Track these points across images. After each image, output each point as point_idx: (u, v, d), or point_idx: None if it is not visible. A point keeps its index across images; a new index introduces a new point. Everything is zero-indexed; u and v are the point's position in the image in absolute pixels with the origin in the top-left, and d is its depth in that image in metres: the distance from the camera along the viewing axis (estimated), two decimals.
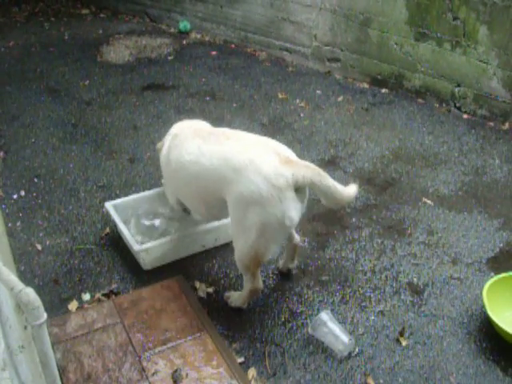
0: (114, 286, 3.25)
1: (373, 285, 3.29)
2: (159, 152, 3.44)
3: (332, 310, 3.07)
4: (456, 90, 5.28)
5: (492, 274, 3.34)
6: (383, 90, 5.74)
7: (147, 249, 3.25)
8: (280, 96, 5.60)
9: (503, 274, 3.12)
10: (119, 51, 6.72)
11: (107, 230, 3.70)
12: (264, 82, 5.94)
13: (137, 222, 3.55)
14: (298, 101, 5.50)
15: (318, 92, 5.72)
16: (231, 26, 6.97)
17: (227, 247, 3.50)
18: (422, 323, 3.04)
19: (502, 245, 3.63)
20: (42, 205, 3.96)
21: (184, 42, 7.03)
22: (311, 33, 6.18)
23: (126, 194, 3.89)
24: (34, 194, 4.06)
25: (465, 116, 5.24)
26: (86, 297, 3.18)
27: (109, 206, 3.56)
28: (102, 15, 8.11)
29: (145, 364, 2.71)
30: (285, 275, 3.34)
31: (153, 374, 2.66)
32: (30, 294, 1.58)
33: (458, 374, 2.76)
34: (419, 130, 5.02)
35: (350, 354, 2.84)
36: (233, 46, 6.94)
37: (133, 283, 3.28)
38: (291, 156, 2.77)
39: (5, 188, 4.12)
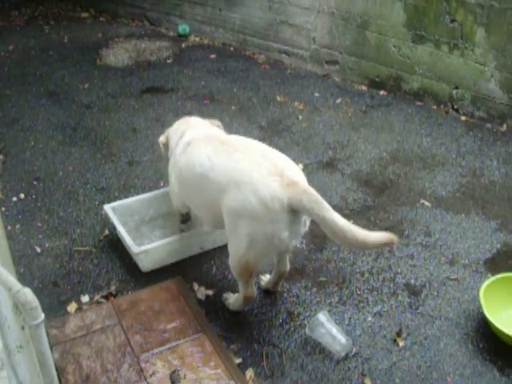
0: (112, 288, 3.26)
1: (370, 286, 3.31)
2: (162, 146, 3.43)
3: (329, 311, 3.08)
4: (454, 92, 5.30)
5: (489, 274, 3.36)
6: (381, 93, 5.76)
7: (146, 250, 3.27)
8: (278, 99, 5.62)
9: (500, 275, 3.14)
10: (118, 54, 6.74)
11: (106, 232, 3.72)
12: (263, 84, 5.96)
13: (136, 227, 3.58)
14: (296, 103, 5.52)
15: (317, 94, 5.74)
16: (230, 29, 6.99)
17: (225, 249, 3.49)
18: (419, 324, 3.06)
19: (499, 245, 3.64)
20: (42, 207, 3.98)
21: (183, 45, 7.05)
22: (310, 36, 6.20)
23: (125, 197, 3.92)
24: (34, 197, 4.08)
25: (463, 118, 5.26)
26: (85, 299, 3.19)
27: (107, 208, 3.58)
28: (101, 19, 8.14)
29: (143, 365, 2.73)
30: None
31: (151, 375, 2.68)
32: (28, 294, 1.59)
33: (455, 375, 2.77)
34: (417, 131, 5.04)
35: (347, 354, 2.86)
36: (231, 48, 6.97)
37: (131, 285, 3.30)
38: (296, 177, 2.69)
39: (4, 191, 4.14)
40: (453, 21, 5.08)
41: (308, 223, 2.79)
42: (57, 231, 3.75)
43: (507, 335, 2.81)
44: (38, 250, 3.57)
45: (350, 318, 3.08)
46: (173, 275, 3.33)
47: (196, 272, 3.40)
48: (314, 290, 3.27)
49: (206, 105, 5.50)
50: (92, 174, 4.35)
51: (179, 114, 5.25)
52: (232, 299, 3.11)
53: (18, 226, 3.77)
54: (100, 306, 3.10)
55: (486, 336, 2.97)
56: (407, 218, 3.89)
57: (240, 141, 2.99)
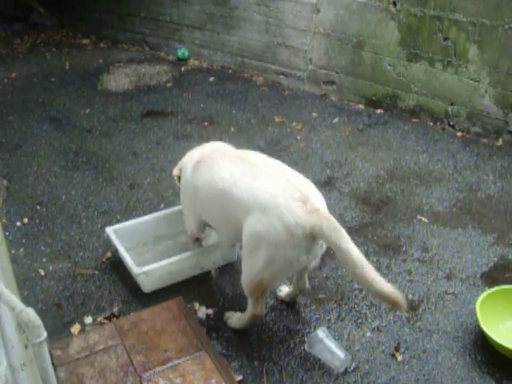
0: (115, 309, 3.31)
1: (368, 302, 3.35)
2: (176, 179, 3.46)
3: (329, 328, 3.12)
4: (449, 108, 5.38)
5: (486, 288, 3.38)
6: (378, 111, 5.85)
7: (146, 272, 3.32)
8: (277, 119, 5.70)
9: (495, 288, 3.18)
10: (119, 79, 6.86)
11: (108, 254, 3.77)
12: (261, 106, 6.05)
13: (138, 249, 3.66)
14: (294, 124, 5.61)
15: (314, 114, 5.82)
16: (228, 52, 7.11)
17: (225, 269, 3.59)
18: (417, 338, 3.09)
19: (496, 259, 3.68)
20: (45, 231, 4.04)
21: (182, 69, 7.17)
22: (306, 57, 6.31)
23: (127, 219, 3.96)
24: (37, 221, 4.15)
25: (459, 134, 5.33)
26: (88, 320, 3.24)
27: (109, 230, 3.64)
28: (102, 45, 8.29)
29: None
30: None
31: None
32: (31, 313, 1.65)
33: None
34: (414, 148, 5.10)
35: (346, 369, 2.89)
36: (230, 71, 7.08)
37: (133, 306, 3.35)
38: (319, 204, 2.76)
39: (8, 215, 4.21)
40: (446, 39, 5.17)
41: (325, 246, 2.86)
42: (60, 254, 3.81)
43: (504, 347, 2.84)
44: (42, 272, 3.62)
45: (348, 334, 3.12)
46: (174, 295, 3.37)
47: (196, 292, 3.44)
48: (314, 307, 3.32)
49: (205, 127, 5.58)
50: (94, 198, 4.43)
51: (179, 136, 5.35)
52: (235, 317, 3.16)
53: (21, 250, 3.84)
54: (103, 327, 3.14)
55: (483, 349, 3.00)
56: (404, 234, 3.94)
57: (260, 160, 3.00)
